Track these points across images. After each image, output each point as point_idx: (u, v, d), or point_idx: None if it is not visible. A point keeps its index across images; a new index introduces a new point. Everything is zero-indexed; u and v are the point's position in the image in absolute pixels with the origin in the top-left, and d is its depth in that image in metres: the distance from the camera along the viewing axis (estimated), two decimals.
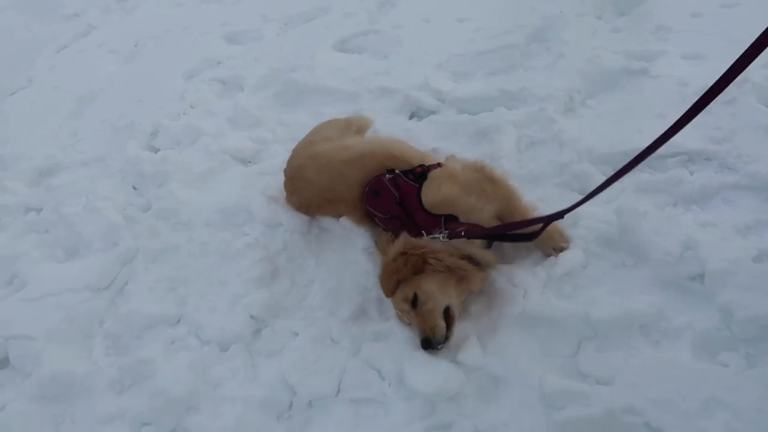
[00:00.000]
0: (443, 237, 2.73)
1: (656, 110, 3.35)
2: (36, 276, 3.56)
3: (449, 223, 2.83)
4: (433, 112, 3.99)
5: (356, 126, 3.71)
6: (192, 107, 4.73)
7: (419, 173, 3.05)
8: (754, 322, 2.26)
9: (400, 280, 2.69)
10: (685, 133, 3.09)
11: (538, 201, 3.07)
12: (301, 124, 4.18)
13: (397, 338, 2.74)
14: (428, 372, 2.50)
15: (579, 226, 2.88)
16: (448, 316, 2.62)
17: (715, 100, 3.22)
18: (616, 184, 3.04)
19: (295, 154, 3.52)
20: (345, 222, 3.25)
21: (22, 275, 3.60)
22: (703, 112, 3.23)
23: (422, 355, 2.58)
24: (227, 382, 2.77)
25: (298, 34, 5.38)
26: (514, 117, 3.61)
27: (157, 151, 4.33)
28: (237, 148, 4.13)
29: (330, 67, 4.64)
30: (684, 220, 2.77)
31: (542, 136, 3.45)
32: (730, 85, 3.24)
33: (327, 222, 3.36)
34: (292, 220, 3.41)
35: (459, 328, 2.68)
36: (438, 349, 2.57)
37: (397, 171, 3.08)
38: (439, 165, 3.13)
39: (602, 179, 3.08)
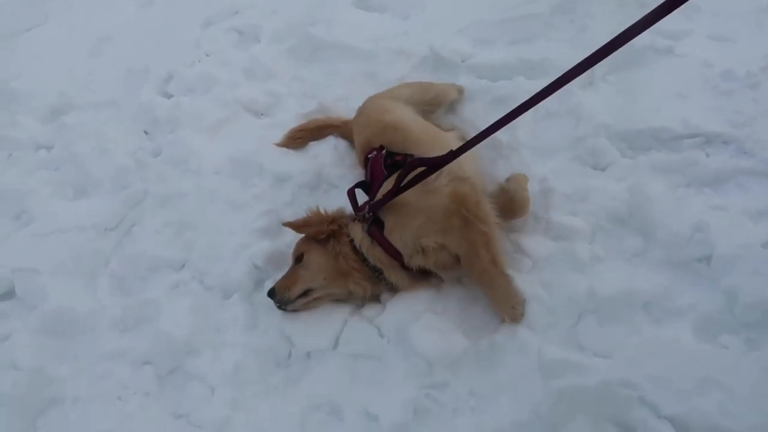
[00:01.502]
0: (368, 213, 2.75)
1: (677, 90, 3.29)
2: (44, 212, 3.59)
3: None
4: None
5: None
6: (207, 55, 4.68)
7: (398, 162, 2.90)
8: (757, 307, 2.26)
9: (314, 233, 2.82)
10: (705, 115, 3.11)
11: (551, 173, 3.05)
12: (315, 79, 4.15)
13: (399, 299, 2.75)
14: (433, 335, 2.54)
15: (589, 202, 2.86)
16: (305, 293, 2.75)
17: (739, 83, 3.22)
18: (629, 162, 3.06)
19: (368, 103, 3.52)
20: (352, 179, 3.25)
21: (30, 211, 3.64)
22: (725, 95, 3.23)
23: (429, 318, 2.60)
24: (228, 329, 2.82)
25: None
26: (533, 87, 3.53)
27: (170, 97, 4.31)
28: (250, 100, 4.10)
29: (349, 23, 4.55)
30: (695, 202, 2.75)
31: (559, 108, 3.40)
32: (755, 69, 3.24)
33: (336, 179, 3.36)
34: (301, 174, 3.42)
35: (459, 294, 2.70)
36: (278, 306, 2.77)
37: (383, 151, 3.00)
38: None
39: (617, 156, 3.09)
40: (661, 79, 3.40)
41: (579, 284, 2.54)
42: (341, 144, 3.61)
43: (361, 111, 3.46)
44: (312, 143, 3.66)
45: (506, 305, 2.52)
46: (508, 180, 2.96)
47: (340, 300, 2.84)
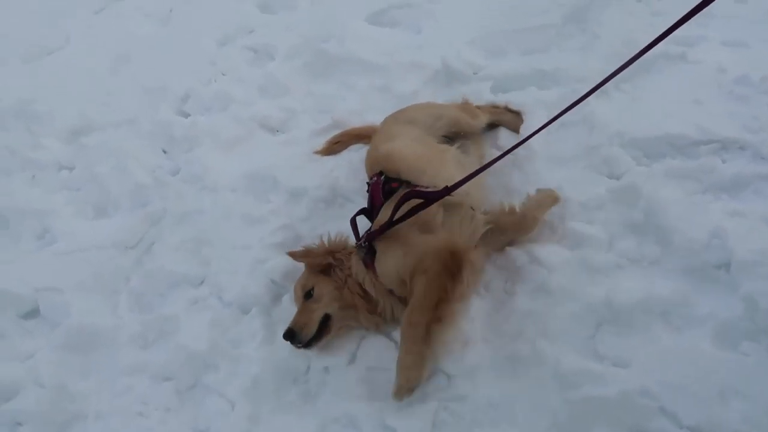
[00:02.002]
0: (363, 243, 2.75)
1: (692, 96, 3.27)
2: (66, 232, 3.67)
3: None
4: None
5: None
6: (223, 74, 4.76)
7: (393, 188, 2.86)
8: None
9: (311, 264, 2.82)
10: (720, 120, 3.09)
11: (565, 182, 3.04)
12: (329, 95, 4.20)
13: None
14: (452, 348, 2.54)
15: (605, 209, 2.85)
16: (326, 324, 2.69)
17: (754, 89, 3.19)
18: (644, 170, 3.04)
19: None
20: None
21: (53, 230, 3.72)
22: (740, 100, 3.21)
23: None
24: (246, 344, 2.85)
25: (331, 4, 5.31)
26: (546, 97, 3.56)
27: (187, 116, 4.38)
28: (266, 117, 4.16)
29: (362, 39, 4.59)
30: (713, 209, 2.72)
31: (573, 117, 3.34)
32: None
33: (351, 193, 3.39)
34: (316, 189, 3.45)
35: (477, 304, 2.70)
36: (297, 346, 2.66)
37: (381, 177, 2.96)
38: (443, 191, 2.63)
39: (632, 164, 3.07)
40: (675, 86, 3.39)
41: (596, 293, 2.53)
42: (356, 158, 3.63)
43: (375, 133, 3.45)
44: (326, 158, 3.70)
45: (403, 375, 2.40)
46: (535, 192, 2.91)
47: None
